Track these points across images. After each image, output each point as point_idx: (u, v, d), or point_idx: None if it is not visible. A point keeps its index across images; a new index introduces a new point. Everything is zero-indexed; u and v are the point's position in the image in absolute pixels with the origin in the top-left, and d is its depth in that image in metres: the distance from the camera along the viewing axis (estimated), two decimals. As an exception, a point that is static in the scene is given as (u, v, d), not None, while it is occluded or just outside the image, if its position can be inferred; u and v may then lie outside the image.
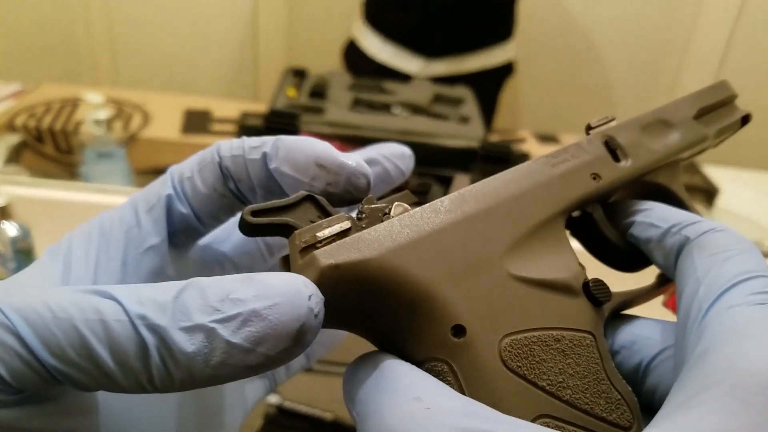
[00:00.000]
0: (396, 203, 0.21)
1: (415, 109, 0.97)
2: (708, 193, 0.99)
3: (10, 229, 0.67)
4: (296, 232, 0.20)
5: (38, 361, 0.16)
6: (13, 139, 1.00)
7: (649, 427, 0.17)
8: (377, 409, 0.17)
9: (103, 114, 0.98)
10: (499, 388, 0.19)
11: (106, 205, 0.79)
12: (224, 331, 0.16)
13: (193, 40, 1.89)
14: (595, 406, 0.20)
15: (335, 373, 0.56)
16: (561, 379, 0.20)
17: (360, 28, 1.42)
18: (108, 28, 1.87)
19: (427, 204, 0.21)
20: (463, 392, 0.19)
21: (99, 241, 0.22)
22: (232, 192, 0.24)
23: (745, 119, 0.30)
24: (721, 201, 0.99)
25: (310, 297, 0.17)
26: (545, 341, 0.20)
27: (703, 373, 0.17)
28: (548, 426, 0.19)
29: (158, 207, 0.23)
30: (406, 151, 0.27)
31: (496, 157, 0.83)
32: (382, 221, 0.20)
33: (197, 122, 1.09)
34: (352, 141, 0.87)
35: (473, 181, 0.87)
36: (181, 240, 0.24)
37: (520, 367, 0.20)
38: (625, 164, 0.26)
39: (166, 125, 1.07)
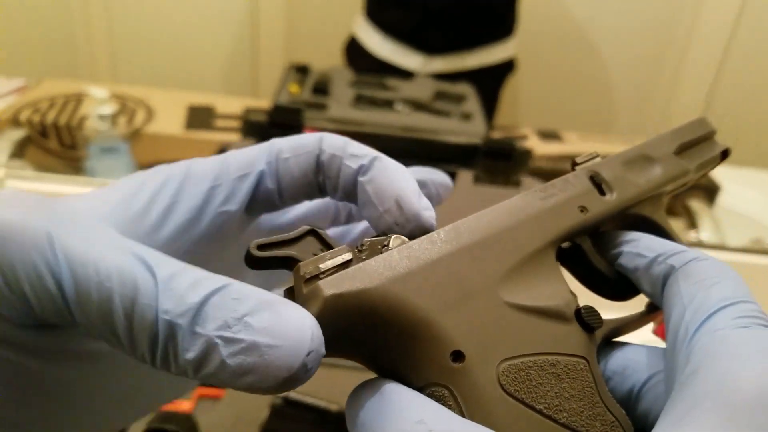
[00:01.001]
0: (394, 236, 0.22)
1: (418, 106, 0.97)
2: (709, 191, 0.99)
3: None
4: (300, 264, 0.20)
5: (68, 308, 0.18)
6: (18, 134, 1.01)
7: None
8: None
9: (108, 109, 0.98)
10: (499, 412, 0.20)
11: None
12: (224, 350, 0.17)
13: (193, 36, 1.89)
14: (591, 429, 0.21)
15: (341, 366, 0.57)
16: (557, 403, 0.21)
17: (361, 24, 1.41)
18: (107, 24, 1.87)
19: (424, 236, 0.22)
20: (463, 416, 0.20)
21: (180, 184, 0.23)
22: (317, 183, 0.25)
23: (725, 154, 0.31)
24: (722, 199, 0.99)
25: (309, 353, 0.18)
26: (541, 366, 0.21)
27: (693, 393, 0.18)
28: None
29: (250, 178, 0.24)
30: (449, 183, 0.29)
31: (500, 154, 0.83)
32: (381, 253, 0.21)
33: (201, 118, 1.10)
34: (354, 137, 0.87)
35: (476, 177, 0.85)
36: (255, 210, 0.26)
37: (517, 391, 0.20)
38: (611, 197, 0.27)
39: (169, 121, 1.08)
